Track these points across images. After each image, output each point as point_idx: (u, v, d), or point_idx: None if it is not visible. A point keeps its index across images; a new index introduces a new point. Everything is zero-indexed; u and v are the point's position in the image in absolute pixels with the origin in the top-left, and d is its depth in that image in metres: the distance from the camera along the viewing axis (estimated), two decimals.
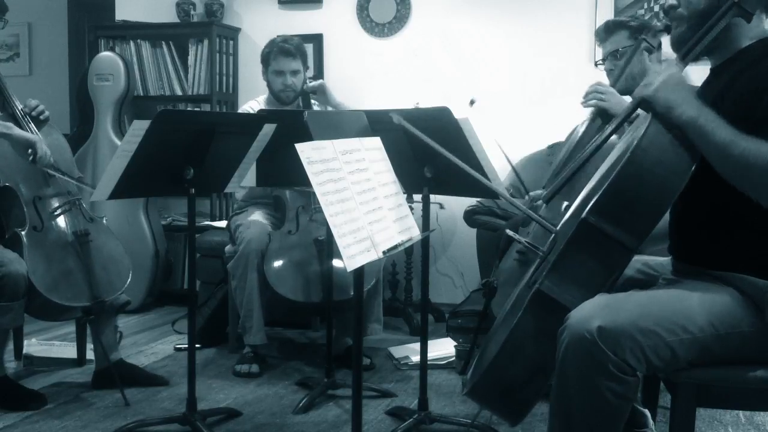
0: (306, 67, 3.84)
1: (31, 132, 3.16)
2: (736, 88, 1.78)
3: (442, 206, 4.46)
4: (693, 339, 1.69)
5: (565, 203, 2.60)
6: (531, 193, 3.28)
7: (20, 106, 3.22)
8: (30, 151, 3.07)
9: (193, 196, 2.70)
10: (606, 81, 3.09)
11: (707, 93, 1.88)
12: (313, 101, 3.80)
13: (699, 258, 1.86)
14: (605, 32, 3.17)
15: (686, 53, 1.83)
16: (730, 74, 1.82)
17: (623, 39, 3.12)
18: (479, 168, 2.54)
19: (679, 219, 1.92)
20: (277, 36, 3.88)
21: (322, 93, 3.76)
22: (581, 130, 3.10)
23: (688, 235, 1.90)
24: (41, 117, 3.27)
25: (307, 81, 3.80)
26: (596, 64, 3.24)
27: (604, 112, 2.95)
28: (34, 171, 3.13)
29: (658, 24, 2.94)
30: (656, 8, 4.26)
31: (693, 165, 1.71)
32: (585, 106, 3.04)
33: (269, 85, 3.81)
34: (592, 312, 1.66)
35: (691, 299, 1.74)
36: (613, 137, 2.03)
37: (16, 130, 3.08)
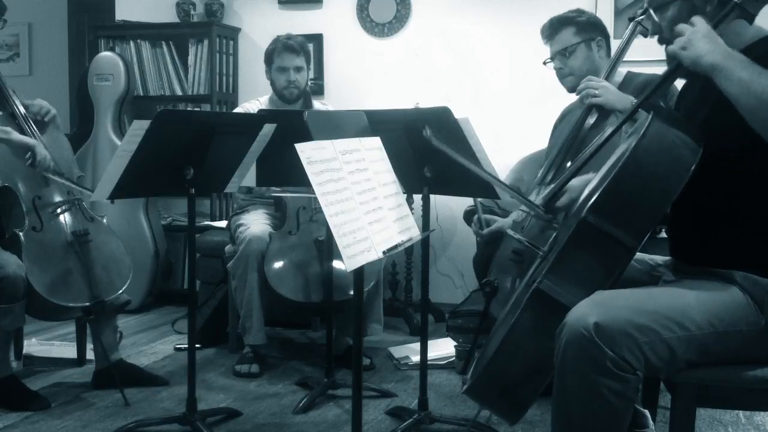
0: (309, 68, 3.85)
1: (32, 133, 3.13)
2: None
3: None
4: (690, 336, 1.69)
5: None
6: (501, 222, 3.23)
7: (22, 110, 3.18)
8: (29, 155, 3.04)
9: (193, 196, 2.70)
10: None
11: (712, 93, 1.88)
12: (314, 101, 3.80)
13: (698, 256, 1.86)
14: (550, 30, 3.08)
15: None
16: None
17: (570, 36, 3.05)
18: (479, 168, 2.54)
19: (675, 218, 1.91)
20: (281, 35, 3.88)
21: None
22: (574, 118, 3.01)
23: (685, 233, 1.90)
24: (46, 118, 3.23)
25: (309, 83, 3.81)
26: (544, 63, 3.16)
27: (600, 106, 2.91)
28: (33, 171, 3.10)
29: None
30: None
31: (693, 164, 1.70)
32: (581, 102, 3.00)
33: (273, 84, 3.80)
34: (589, 309, 1.66)
35: (687, 296, 1.74)
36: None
37: (15, 135, 3.03)
